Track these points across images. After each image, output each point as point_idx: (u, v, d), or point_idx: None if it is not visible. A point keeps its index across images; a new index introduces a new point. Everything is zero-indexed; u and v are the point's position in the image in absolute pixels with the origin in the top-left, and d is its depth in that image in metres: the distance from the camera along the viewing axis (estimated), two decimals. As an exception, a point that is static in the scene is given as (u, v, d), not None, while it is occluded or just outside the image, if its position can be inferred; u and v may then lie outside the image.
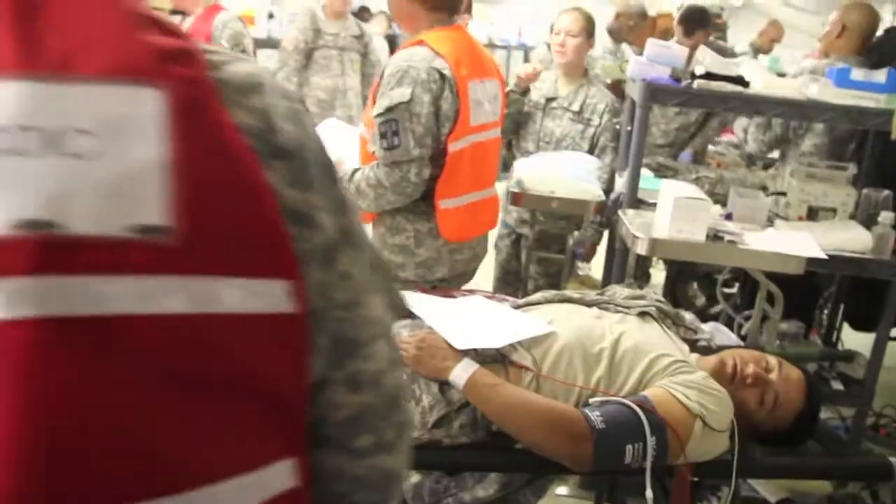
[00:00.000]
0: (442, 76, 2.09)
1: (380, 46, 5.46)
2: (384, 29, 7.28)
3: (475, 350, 1.49)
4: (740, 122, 3.96)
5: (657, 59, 2.63)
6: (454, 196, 2.22)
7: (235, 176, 0.57)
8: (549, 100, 3.20)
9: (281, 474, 0.62)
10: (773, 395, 1.57)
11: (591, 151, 3.11)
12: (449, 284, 2.26)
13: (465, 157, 2.20)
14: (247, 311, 0.57)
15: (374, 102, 2.12)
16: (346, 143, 2.32)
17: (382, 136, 2.06)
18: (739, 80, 2.50)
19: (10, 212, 0.52)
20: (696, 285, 4.60)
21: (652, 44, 2.69)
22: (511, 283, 3.35)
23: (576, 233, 3.08)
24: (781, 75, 4.63)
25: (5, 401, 0.51)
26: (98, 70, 0.55)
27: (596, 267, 4.45)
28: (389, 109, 2.05)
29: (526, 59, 7.52)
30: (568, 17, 3.21)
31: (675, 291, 4.42)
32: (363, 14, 7.82)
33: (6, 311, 0.51)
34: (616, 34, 4.89)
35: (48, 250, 0.52)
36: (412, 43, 2.15)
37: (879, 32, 3.37)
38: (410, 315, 1.63)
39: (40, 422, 0.52)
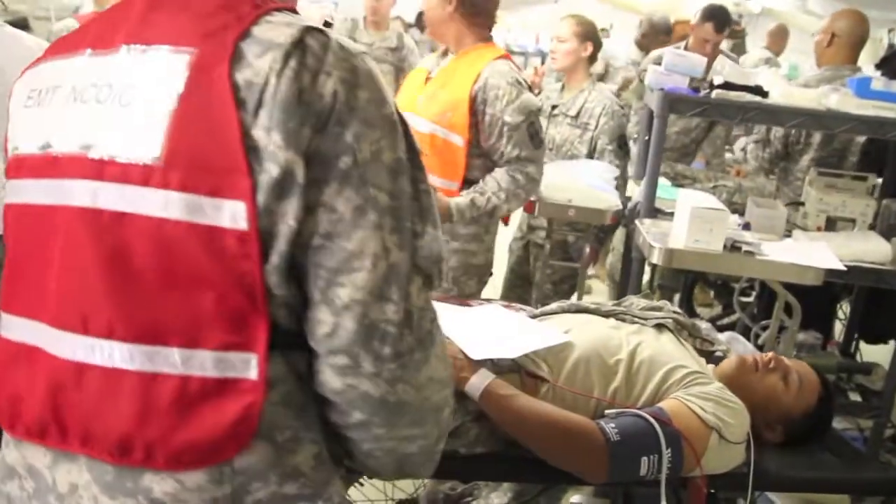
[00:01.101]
0: (529, 89, 2.36)
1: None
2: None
3: (492, 360, 1.50)
4: (739, 143, 3.94)
5: (675, 68, 2.62)
6: None
7: (211, 120, 0.78)
8: (554, 107, 3.31)
9: (234, 363, 0.81)
10: (796, 375, 1.63)
11: (590, 155, 3.18)
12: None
13: None
14: (203, 222, 0.78)
15: (471, 111, 2.27)
16: None
17: (532, 137, 2.27)
18: (758, 91, 2.50)
19: (80, 138, 0.84)
20: (712, 293, 4.59)
21: (670, 53, 2.68)
22: (519, 287, 3.41)
23: (569, 237, 3.11)
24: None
25: (58, 255, 0.85)
26: (160, 43, 0.82)
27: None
28: (531, 113, 2.28)
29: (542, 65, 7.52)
30: (560, 24, 3.32)
31: (690, 297, 4.41)
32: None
33: (63, 199, 0.85)
34: (644, 47, 4.93)
35: (91, 164, 0.83)
36: (496, 56, 2.34)
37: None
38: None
39: (68, 261, 0.84)
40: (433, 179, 2.31)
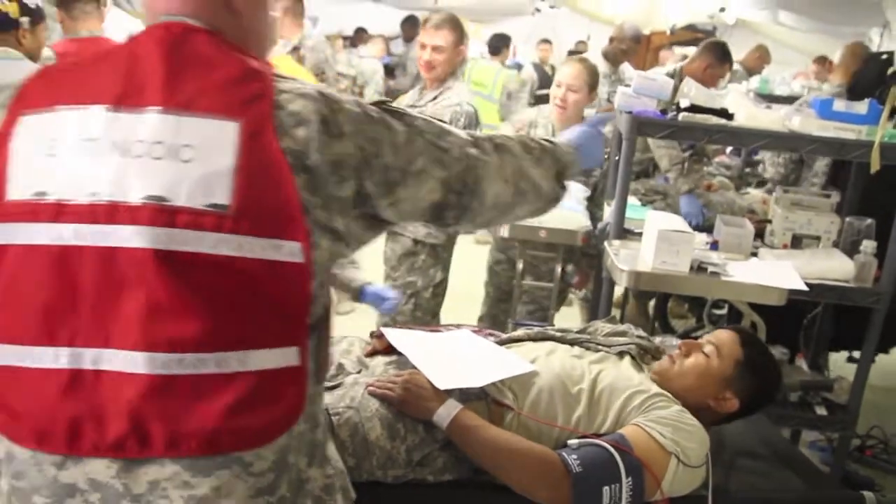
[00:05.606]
0: None
1: (373, 69, 5.49)
2: (381, 52, 7.32)
3: (459, 388, 1.53)
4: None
5: (644, 91, 2.68)
6: None
7: (272, 180, 0.98)
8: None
9: (286, 354, 1.01)
10: (711, 346, 1.70)
11: (592, 195, 3.15)
12: None
13: None
14: (269, 258, 0.97)
15: None
16: None
17: None
18: (723, 113, 2.56)
19: (142, 190, 0.97)
20: (686, 306, 4.65)
21: (639, 76, 2.74)
22: (504, 301, 3.40)
23: (570, 266, 3.12)
24: (771, 97, 4.69)
25: (134, 289, 0.96)
26: (204, 109, 0.99)
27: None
28: None
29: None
30: (570, 71, 3.11)
31: (665, 310, 4.47)
32: (360, 36, 7.83)
33: (135, 243, 0.96)
34: (611, 58, 4.96)
35: (160, 213, 0.96)
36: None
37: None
38: (396, 352, 1.68)
39: (149, 293, 0.96)
40: None
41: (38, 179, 0.99)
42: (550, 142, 1.36)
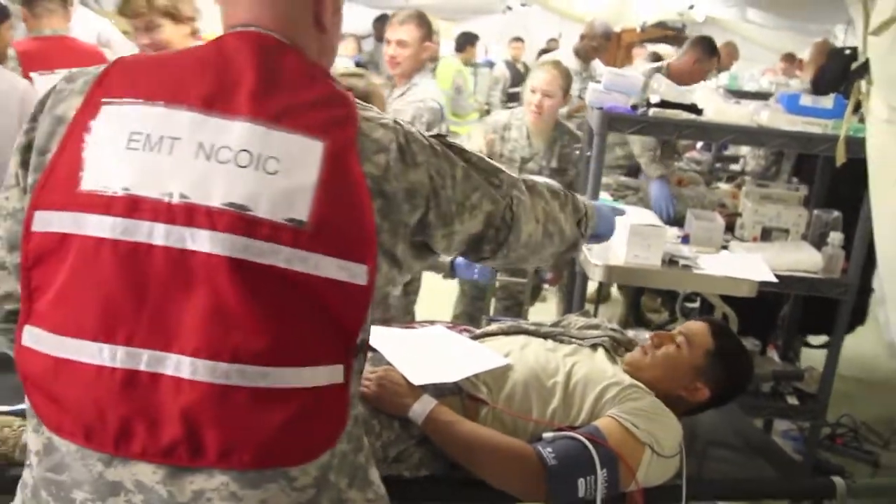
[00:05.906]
0: None
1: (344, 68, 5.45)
2: (353, 51, 7.31)
3: (434, 384, 1.54)
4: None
5: (614, 87, 2.70)
6: None
7: (351, 201, 0.99)
8: (525, 160, 3.21)
9: (334, 372, 1.01)
10: (681, 337, 1.71)
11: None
12: None
13: None
14: (336, 278, 0.98)
15: None
16: None
17: None
18: (693, 108, 2.59)
19: (224, 196, 0.95)
20: (659, 300, 4.70)
21: (609, 73, 2.76)
22: (480, 299, 3.41)
23: None
24: (740, 93, 4.76)
25: (202, 295, 0.95)
26: (292, 125, 0.98)
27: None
28: None
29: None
30: (545, 77, 3.15)
31: (638, 304, 4.51)
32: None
33: (209, 248, 0.94)
34: (582, 55, 4.99)
35: (240, 222, 0.95)
36: None
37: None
38: (371, 349, 1.68)
39: (217, 301, 0.95)
40: None
41: (114, 172, 0.97)
42: (571, 192, 1.41)
